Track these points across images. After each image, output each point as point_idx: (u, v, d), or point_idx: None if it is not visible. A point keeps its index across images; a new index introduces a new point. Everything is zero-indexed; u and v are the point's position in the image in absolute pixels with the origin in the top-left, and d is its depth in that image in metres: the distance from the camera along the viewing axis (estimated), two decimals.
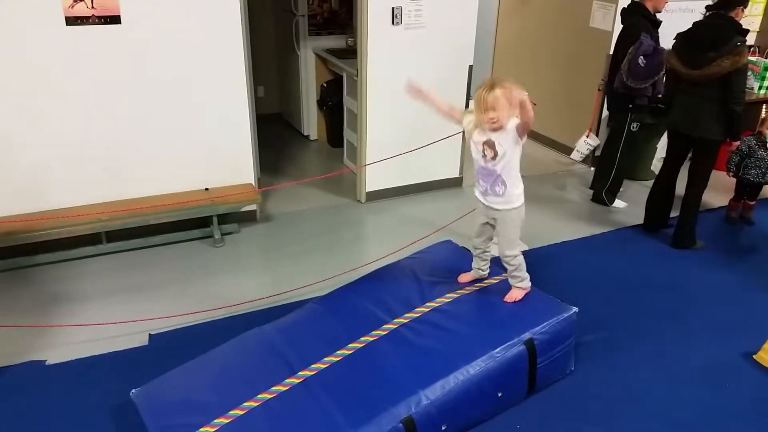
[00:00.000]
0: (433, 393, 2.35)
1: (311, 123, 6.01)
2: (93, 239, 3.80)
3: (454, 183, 4.99)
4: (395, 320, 2.75)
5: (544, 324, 2.65)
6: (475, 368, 2.45)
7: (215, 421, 2.34)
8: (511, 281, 2.87)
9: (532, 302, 2.83)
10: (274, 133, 6.04)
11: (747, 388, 2.85)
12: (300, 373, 2.53)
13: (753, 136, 4.23)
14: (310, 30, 5.58)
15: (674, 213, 4.17)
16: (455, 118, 2.78)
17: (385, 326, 2.72)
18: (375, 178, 4.66)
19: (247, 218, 4.32)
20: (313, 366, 2.56)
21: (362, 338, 2.67)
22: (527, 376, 2.63)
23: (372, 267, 3.38)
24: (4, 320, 3.15)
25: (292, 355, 2.64)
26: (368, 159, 4.54)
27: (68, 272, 3.66)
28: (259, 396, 2.44)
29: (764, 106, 5.31)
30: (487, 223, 2.83)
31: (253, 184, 4.23)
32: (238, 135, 4.09)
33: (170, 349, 2.97)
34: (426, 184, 4.87)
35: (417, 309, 2.80)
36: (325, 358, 2.59)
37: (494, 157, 2.59)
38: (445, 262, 3.15)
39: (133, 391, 2.53)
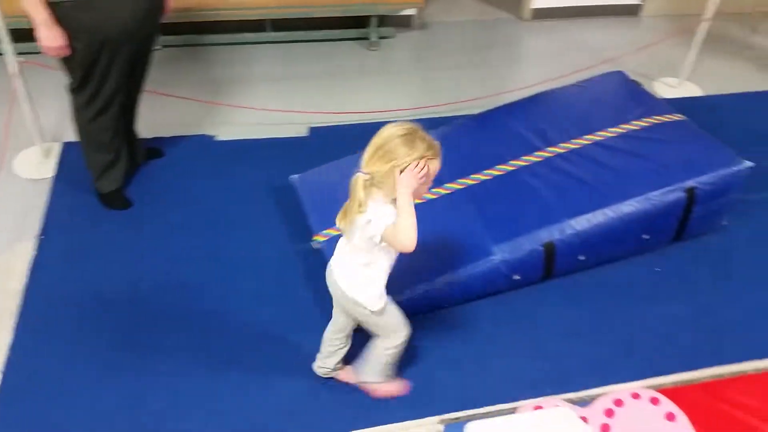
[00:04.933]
0: (579, 224, 2.33)
1: None
2: (257, 26, 3.90)
3: (631, 10, 4.49)
4: (550, 148, 2.67)
5: (712, 174, 2.45)
6: (628, 207, 2.37)
7: None
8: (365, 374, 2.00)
9: (704, 148, 2.60)
10: None
11: None
12: (447, 185, 2.59)
13: None
14: None
15: None
16: None
17: (538, 153, 2.66)
18: None
19: (403, 23, 4.20)
20: (459, 180, 2.60)
21: (512, 161, 2.64)
22: (678, 223, 2.51)
23: (529, 92, 3.21)
24: (179, 93, 3.34)
25: None
26: None
27: (233, 56, 3.83)
28: None
29: None
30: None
31: None
32: None
33: (327, 143, 3.10)
34: (599, 8, 4.42)
35: (575, 140, 2.69)
36: (473, 175, 2.61)
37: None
38: (614, 95, 2.94)
39: (293, 176, 2.73)
